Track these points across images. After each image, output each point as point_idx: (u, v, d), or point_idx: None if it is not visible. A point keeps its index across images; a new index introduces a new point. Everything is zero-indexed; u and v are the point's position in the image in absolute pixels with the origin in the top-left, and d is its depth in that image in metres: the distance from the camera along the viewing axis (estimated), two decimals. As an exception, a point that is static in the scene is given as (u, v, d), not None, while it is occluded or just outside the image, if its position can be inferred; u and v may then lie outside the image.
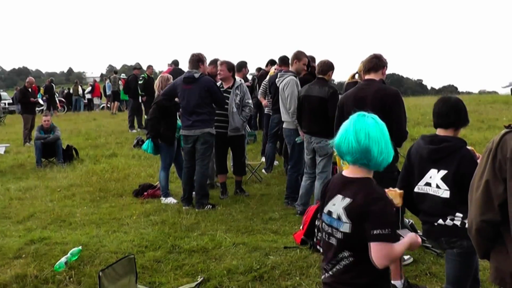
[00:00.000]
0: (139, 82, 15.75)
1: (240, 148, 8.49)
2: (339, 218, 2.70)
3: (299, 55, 7.77)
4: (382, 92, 4.97)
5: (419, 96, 30.10)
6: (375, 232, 2.56)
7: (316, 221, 5.74)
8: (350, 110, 5.04)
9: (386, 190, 3.12)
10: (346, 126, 2.74)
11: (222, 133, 8.03)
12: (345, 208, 2.67)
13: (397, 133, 4.76)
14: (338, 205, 2.72)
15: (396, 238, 2.63)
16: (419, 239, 2.83)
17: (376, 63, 5.10)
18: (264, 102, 10.71)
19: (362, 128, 2.66)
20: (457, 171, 3.59)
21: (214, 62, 8.83)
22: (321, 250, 2.93)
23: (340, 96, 6.30)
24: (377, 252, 2.57)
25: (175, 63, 14.72)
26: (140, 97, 15.91)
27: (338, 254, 2.72)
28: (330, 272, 2.77)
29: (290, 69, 7.86)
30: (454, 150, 3.69)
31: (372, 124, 2.70)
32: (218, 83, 8.10)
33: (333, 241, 2.74)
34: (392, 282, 4.70)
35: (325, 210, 2.80)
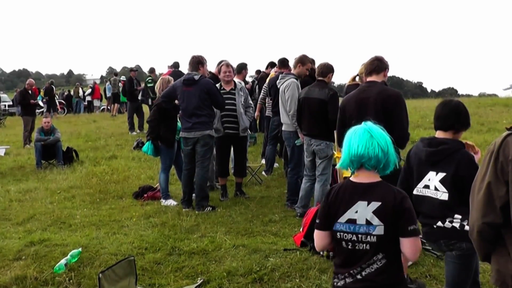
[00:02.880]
0: (149, 85, 15.60)
1: (244, 149, 8.61)
2: (368, 223, 2.73)
3: (304, 60, 7.76)
4: (384, 94, 4.98)
5: (419, 98, 30.14)
6: (410, 228, 2.71)
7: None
8: (352, 112, 5.08)
9: None
10: (362, 134, 2.81)
11: (233, 134, 8.12)
12: (375, 212, 2.72)
13: (399, 135, 4.76)
14: (364, 211, 2.75)
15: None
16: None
17: (378, 65, 5.11)
18: (257, 112, 10.83)
19: (382, 137, 2.80)
20: (455, 174, 3.60)
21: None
22: (336, 258, 2.92)
23: (341, 99, 6.32)
24: (414, 246, 2.73)
25: (175, 65, 14.69)
26: (150, 100, 15.69)
27: (372, 258, 2.76)
28: (359, 276, 2.79)
29: (292, 71, 7.86)
30: (451, 153, 3.69)
31: (383, 132, 2.83)
32: (217, 85, 8.12)
33: (361, 246, 2.76)
34: None
35: (342, 219, 2.80)
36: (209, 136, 7.60)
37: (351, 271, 2.80)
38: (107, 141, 15.27)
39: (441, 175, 3.68)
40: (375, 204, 2.72)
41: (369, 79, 5.15)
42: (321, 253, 5.50)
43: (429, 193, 3.75)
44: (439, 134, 3.87)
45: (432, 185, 3.73)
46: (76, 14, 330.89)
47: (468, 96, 32.39)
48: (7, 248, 6.06)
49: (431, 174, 3.75)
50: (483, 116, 15.70)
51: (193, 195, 7.82)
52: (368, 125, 2.83)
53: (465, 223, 3.50)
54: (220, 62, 8.84)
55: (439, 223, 3.70)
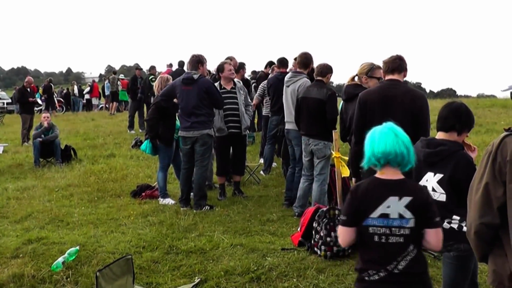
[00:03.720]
0: (152, 83, 15.58)
1: (244, 148, 8.65)
2: (401, 217, 2.88)
3: (311, 60, 7.66)
4: (412, 94, 4.98)
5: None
6: (436, 219, 2.93)
7: (314, 224, 5.76)
8: (376, 107, 5.05)
9: None
10: (387, 133, 2.97)
11: (236, 133, 8.15)
12: (407, 206, 2.88)
13: (424, 136, 4.77)
14: (396, 205, 2.89)
15: None
16: None
17: (400, 64, 5.07)
18: (254, 102, 10.79)
19: (404, 136, 2.97)
20: (452, 175, 3.60)
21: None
22: (364, 253, 3.04)
23: (339, 99, 6.30)
24: (439, 236, 2.93)
25: (181, 64, 14.71)
26: (152, 98, 15.69)
27: (406, 250, 2.90)
28: (396, 270, 2.91)
29: (304, 71, 7.67)
30: (449, 154, 3.69)
31: (404, 132, 3.01)
32: (216, 84, 8.12)
33: (394, 239, 2.90)
34: None
35: (375, 214, 2.92)
36: (208, 135, 7.60)
37: (387, 267, 2.92)
38: (105, 139, 15.26)
39: (439, 176, 3.69)
40: (407, 199, 2.89)
41: (390, 77, 5.08)
42: (319, 252, 5.51)
43: None
44: (440, 135, 3.88)
45: (430, 186, 3.73)
46: (75, 12, 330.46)
47: (467, 97, 32.36)
48: (5, 246, 6.06)
49: (429, 175, 3.76)
50: (481, 117, 15.70)
51: (191, 194, 7.82)
52: (390, 125, 3.01)
53: (463, 224, 3.51)
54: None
55: (437, 224, 3.70)
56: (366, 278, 2.97)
